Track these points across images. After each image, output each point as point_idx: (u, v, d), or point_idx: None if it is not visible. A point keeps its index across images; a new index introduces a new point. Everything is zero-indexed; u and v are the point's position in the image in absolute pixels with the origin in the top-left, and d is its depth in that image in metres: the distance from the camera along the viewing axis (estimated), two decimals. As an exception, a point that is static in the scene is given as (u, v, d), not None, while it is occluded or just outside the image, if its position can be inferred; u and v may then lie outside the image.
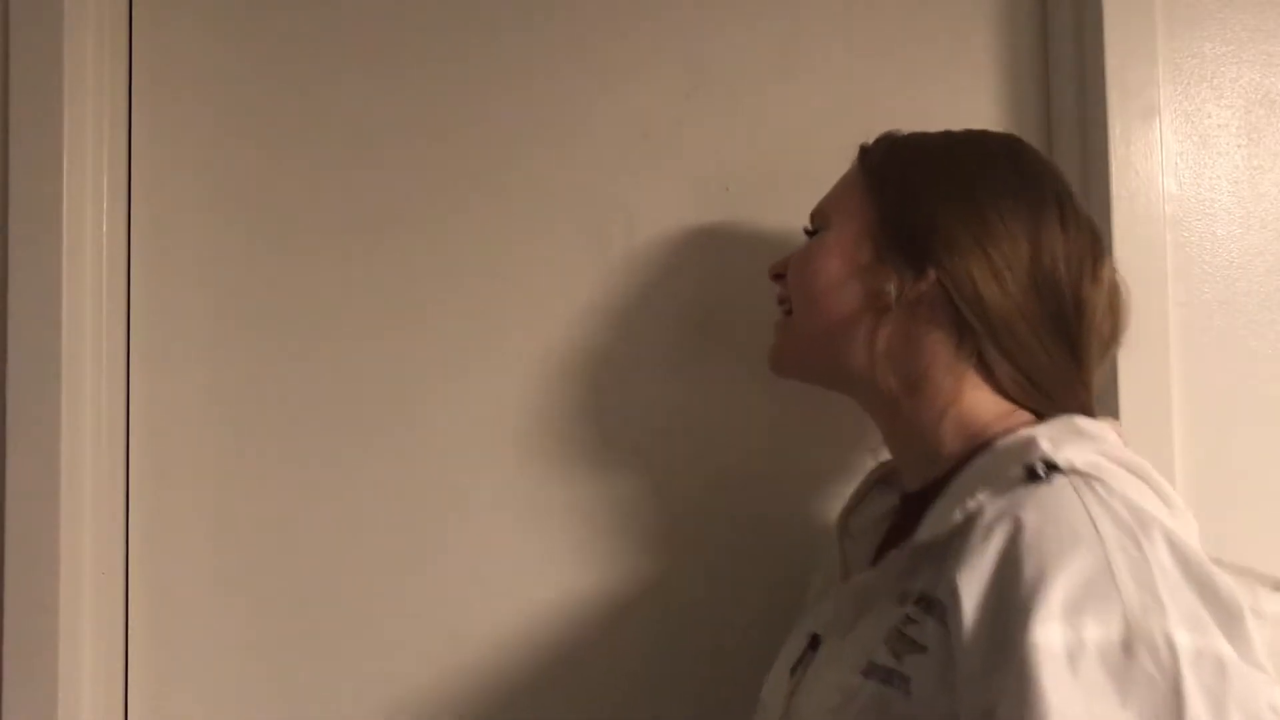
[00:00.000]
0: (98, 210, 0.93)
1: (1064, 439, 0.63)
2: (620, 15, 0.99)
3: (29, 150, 0.91)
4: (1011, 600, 0.54)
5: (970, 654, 0.55)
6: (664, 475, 0.97)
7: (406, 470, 0.96)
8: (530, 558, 0.96)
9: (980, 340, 0.69)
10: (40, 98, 0.91)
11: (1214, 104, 0.98)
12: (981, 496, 0.61)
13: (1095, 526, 0.56)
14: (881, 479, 0.84)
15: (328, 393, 0.96)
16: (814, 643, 0.73)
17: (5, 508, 0.90)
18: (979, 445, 0.68)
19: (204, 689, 0.95)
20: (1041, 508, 0.58)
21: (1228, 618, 0.54)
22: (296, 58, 0.98)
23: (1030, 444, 0.63)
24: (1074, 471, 0.60)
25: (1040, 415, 0.69)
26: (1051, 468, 0.60)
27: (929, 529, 0.64)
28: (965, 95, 0.99)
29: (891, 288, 0.70)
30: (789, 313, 0.81)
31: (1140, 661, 0.51)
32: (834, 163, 0.98)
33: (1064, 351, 0.69)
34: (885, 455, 0.83)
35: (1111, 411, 0.89)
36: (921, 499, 0.70)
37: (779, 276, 0.83)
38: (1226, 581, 0.55)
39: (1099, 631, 0.52)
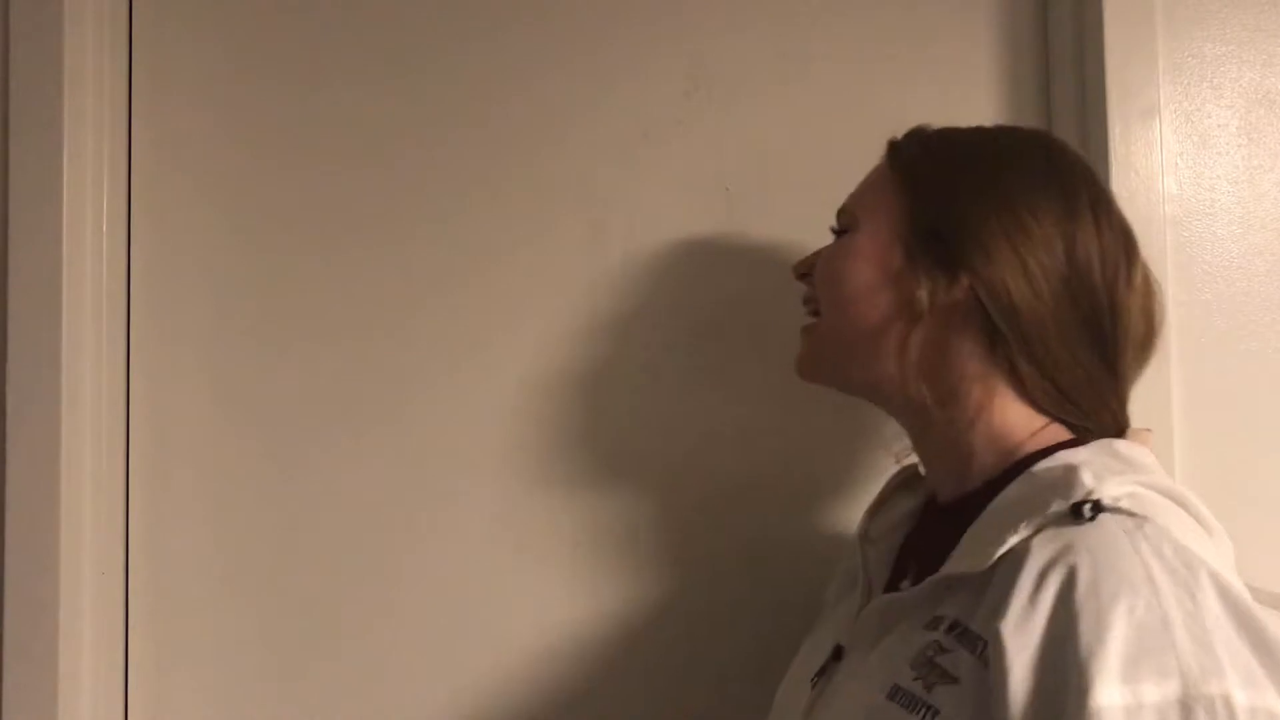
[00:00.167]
0: (98, 210, 0.93)
1: (1105, 470, 0.62)
2: (620, 15, 0.99)
3: (29, 150, 0.91)
4: (1068, 658, 0.53)
5: (1020, 711, 0.54)
6: (666, 478, 0.97)
7: (406, 470, 0.96)
8: (532, 557, 0.96)
9: (1012, 350, 0.67)
10: (40, 98, 0.91)
11: (1214, 104, 0.98)
12: (1024, 531, 0.59)
13: (1151, 579, 0.55)
14: (903, 484, 0.82)
15: (328, 393, 0.96)
16: (837, 653, 0.72)
17: (5, 508, 0.90)
18: (1014, 463, 0.67)
19: (204, 689, 0.95)
20: (1095, 557, 0.56)
21: (1276, 668, 0.53)
22: (296, 58, 0.98)
23: (1073, 476, 0.61)
24: (1120, 510, 0.59)
25: (1072, 427, 0.68)
26: (1097, 507, 0.59)
27: (966, 561, 0.62)
28: (965, 95, 0.99)
29: (924, 295, 0.68)
30: (815, 313, 0.79)
31: None
32: (834, 162, 0.98)
33: (1097, 360, 0.68)
34: (906, 459, 0.82)
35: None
36: (953, 513, 0.68)
37: (804, 276, 0.80)
38: (1274, 629, 0.55)
39: (1156, 693, 0.51)
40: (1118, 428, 0.69)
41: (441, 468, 0.96)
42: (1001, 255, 0.66)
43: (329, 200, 0.97)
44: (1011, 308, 0.66)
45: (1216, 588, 0.55)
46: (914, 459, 0.80)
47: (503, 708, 0.96)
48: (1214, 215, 0.98)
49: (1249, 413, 0.97)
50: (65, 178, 0.91)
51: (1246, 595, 0.56)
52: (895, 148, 0.77)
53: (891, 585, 0.74)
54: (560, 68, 0.98)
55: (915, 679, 0.60)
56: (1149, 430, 0.71)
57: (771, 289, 0.98)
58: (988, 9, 1.00)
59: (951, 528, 0.66)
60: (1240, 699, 0.51)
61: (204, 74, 0.97)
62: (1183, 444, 0.94)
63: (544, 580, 0.96)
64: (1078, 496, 0.59)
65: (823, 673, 0.72)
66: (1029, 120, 0.99)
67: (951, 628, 0.60)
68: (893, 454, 0.84)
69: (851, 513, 0.95)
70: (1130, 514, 0.59)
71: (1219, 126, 0.98)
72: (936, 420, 0.70)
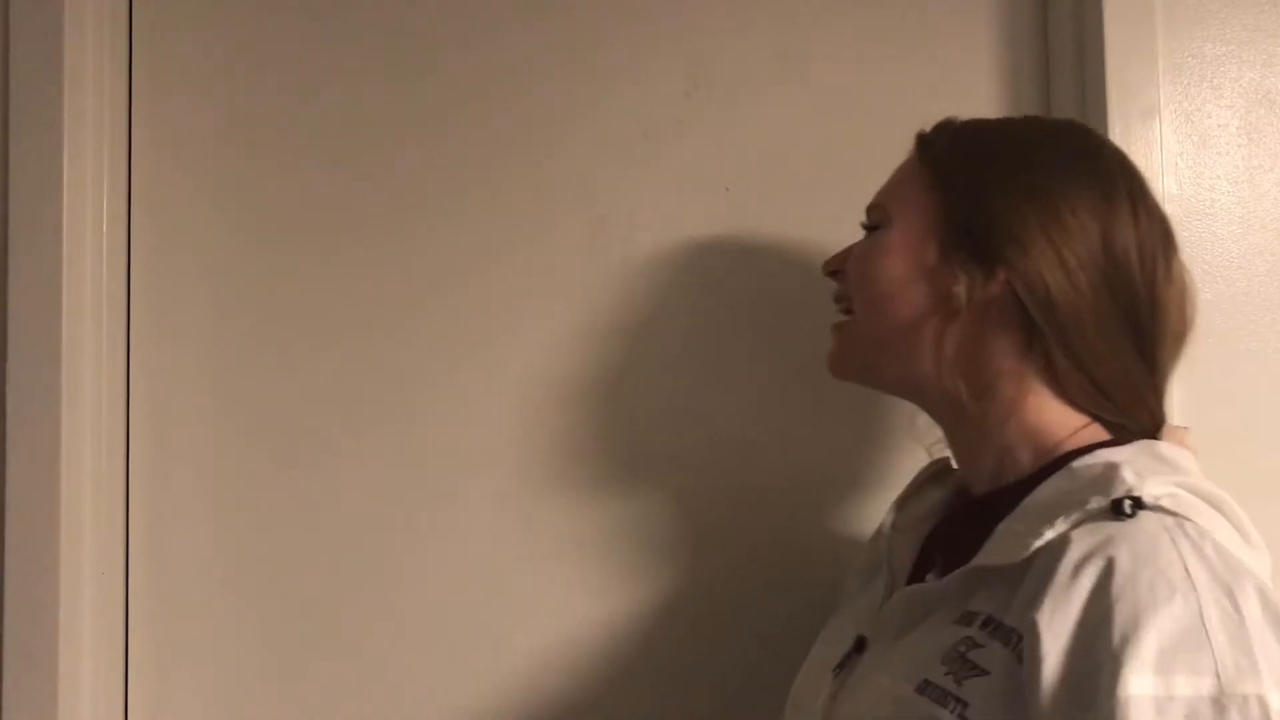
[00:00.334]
0: (98, 210, 0.93)
1: (1147, 469, 0.61)
2: (620, 15, 0.99)
3: (29, 150, 0.91)
4: (1101, 646, 0.53)
5: (1052, 696, 0.54)
6: (666, 480, 0.97)
7: (407, 471, 0.96)
8: (533, 557, 0.96)
9: (1048, 344, 0.66)
10: (40, 98, 0.91)
11: (1214, 104, 0.98)
12: (1061, 526, 0.59)
13: (1189, 576, 0.54)
14: (933, 476, 0.82)
15: (328, 393, 0.96)
16: (860, 644, 0.71)
17: (5, 508, 0.90)
18: (1051, 460, 0.66)
19: (204, 689, 0.95)
20: (1134, 550, 0.56)
21: None
22: (296, 58, 0.98)
23: (1113, 473, 0.61)
24: (1160, 509, 0.59)
25: (1108, 425, 0.68)
26: (1138, 504, 0.58)
27: (1000, 553, 0.62)
28: (965, 95, 0.99)
29: (961, 290, 0.67)
30: (847, 311, 0.77)
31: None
32: (834, 162, 0.98)
33: (1135, 354, 0.67)
34: (938, 452, 0.81)
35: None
36: (986, 507, 0.68)
37: (834, 273, 0.79)
38: None
39: (1189, 687, 0.51)
40: (1154, 424, 0.69)
41: (441, 468, 0.96)
42: (1037, 248, 0.66)
43: (329, 200, 0.97)
44: (1048, 301, 0.65)
45: (1258, 593, 0.55)
46: (946, 452, 0.79)
47: (505, 709, 0.95)
48: (1214, 215, 0.98)
49: (1249, 413, 0.97)
50: (65, 178, 0.91)
51: None
52: (925, 141, 0.75)
53: (915, 577, 0.74)
54: (560, 68, 0.98)
55: (946, 674, 0.60)
56: (1186, 428, 0.71)
57: (771, 289, 0.98)
58: (988, 9, 1.00)
59: (983, 521, 0.66)
60: (1275, 702, 0.51)
61: (204, 74, 0.97)
62: (1183, 444, 0.93)
63: (546, 581, 0.96)
64: (1118, 493, 0.59)
65: (844, 663, 0.71)
66: (1029, 120, 0.99)
67: (985, 623, 0.60)
68: (924, 446, 0.84)
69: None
70: (1171, 513, 0.59)
71: (1219, 126, 0.98)
72: (972, 415, 0.70)
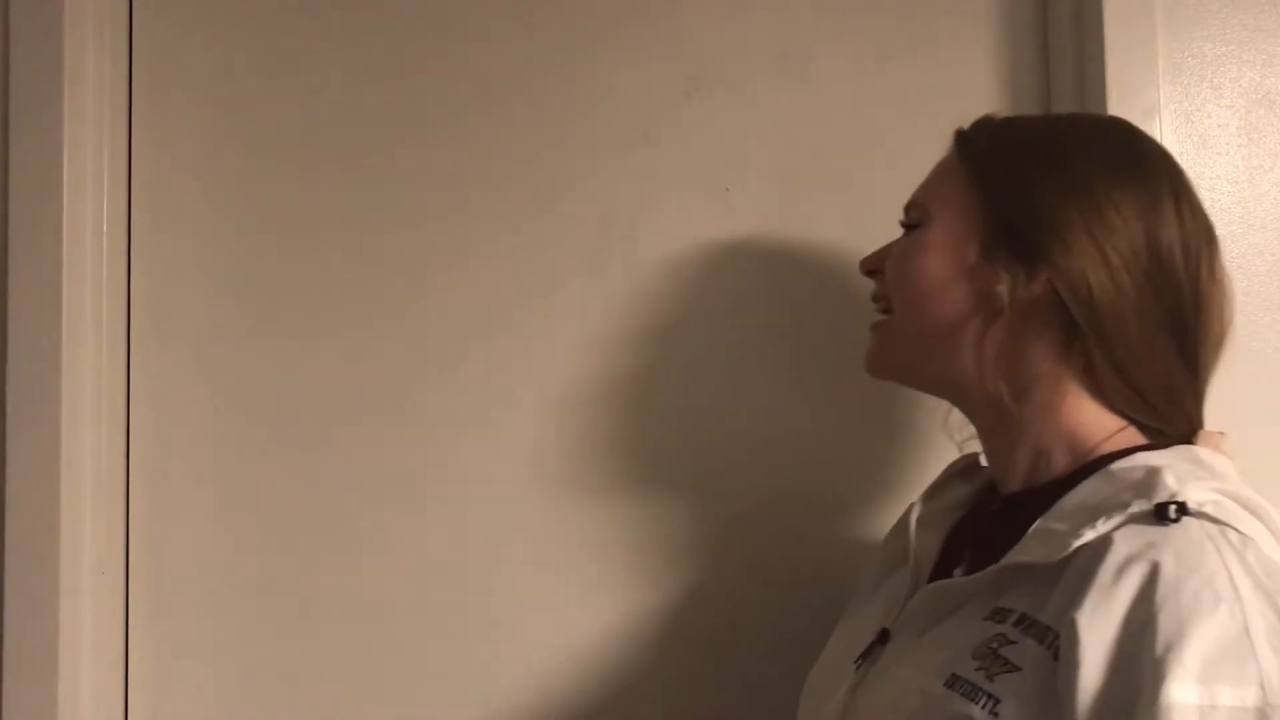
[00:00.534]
0: (98, 210, 0.93)
1: (1188, 475, 0.61)
2: (620, 15, 0.99)
3: (29, 150, 0.91)
4: (1144, 651, 0.53)
5: (1091, 699, 0.53)
6: (668, 480, 0.97)
7: (407, 471, 0.96)
8: (533, 556, 0.96)
9: (1089, 345, 0.65)
10: (40, 97, 0.91)
11: (1214, 104, 0.98)
12: (1103, 527, 0.59)
13: (1235, 585, 0.54)
14: (961, 472, 0.81)
15: (329, 393, 0.96)
16: (883, 637, 0.71)
17: (5, 508, 0.90)
18: (1089, 462, 0.66)
19: (204, 689, 0.95)
20: (1179, 556, 0.55)
21: None
22: (296, 57, 0.98)
23: (1155, 477, 0.60)
24: (1203, 515, 0.58)
25: (1144, 429, 0.67)
26: (1182, 510, 0.58)
27: (1037, 551, 0.61)
28: (965, 95, 0.99)
29: (1003, 290, 0.67)
30: (885, 311, 0.77)
31: None
32: (834, 162, 0.98)
33: (1176, 356, 0.66)
34: (968, 448, 0.81)
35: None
36: (1018, 505, 0.68)
37: (872, 272, 0.79)
38: None
39: (1234, 698, 0.51)
40: (1191, 430, 0.68)
41: (440, 467, 0.96)
42: (1079, 246, 0.65)
43: (329, 200, 0.97)
44: (1090, 301, 0.65)
45: None
46: (976, 448, 0.78)
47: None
48: (1214, 215, 0.96)
49: (1249, 413, 0.97)
50: (65, 177, 0.91)
51: None
52: (964, 138, 0.74)
53: (939, 571, 0.74)
54: (560, 68, 0.98)
55: (978, 669, 0.59)
56: (1223, 433, 0.70)
57: (771, 289, 0.98)
58: (987, 10, 1.00)
59: (1015, 520, 0.65)
60: None
61: (204, 73, 0.97)
62: (1183, 444, 0.93)
63: (549, 582, 0.96)
64: (1161, 498, 0.59)
65: (867, 655, 0.71)
66: (1029, 120, 0.99)
67: (1019, 621, 0.60)
68: (955, 442, 0.83)
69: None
70: (1214, 520, 0.58)
71: (1219, 126, 0.98)
72: (1011, 415, 0.69)
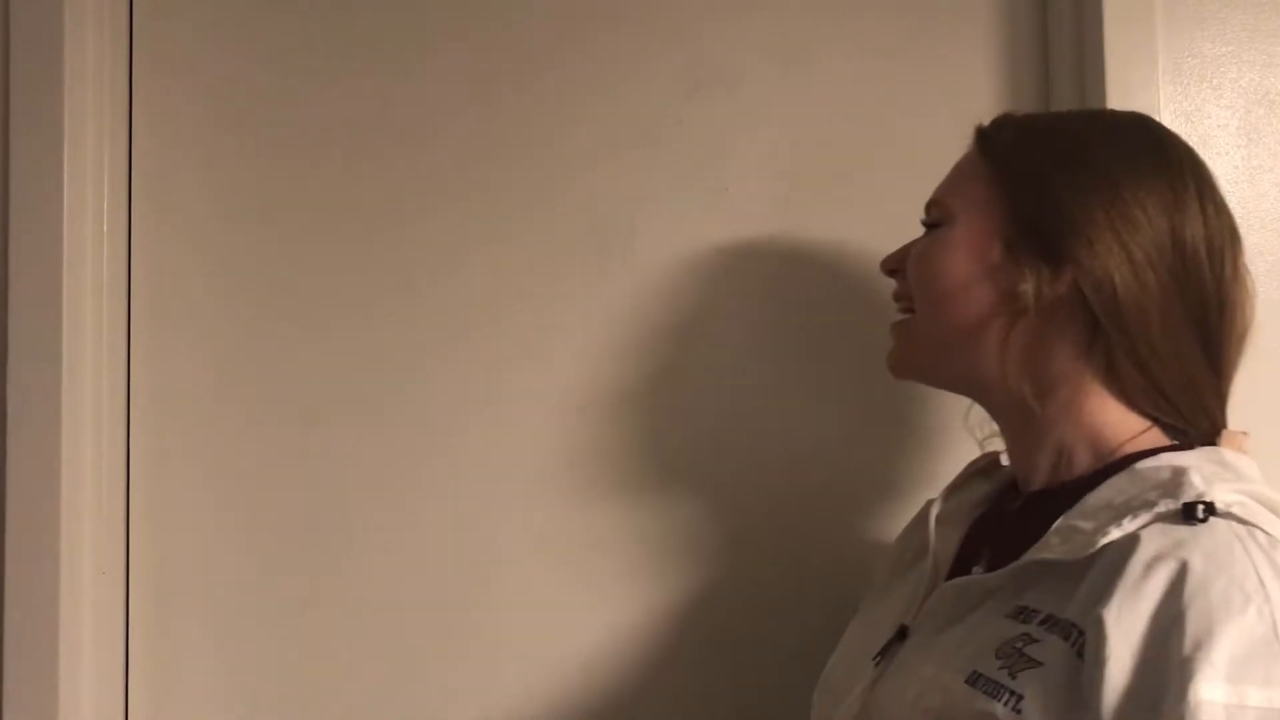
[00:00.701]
0: (98, 208, 0.93)
1: (1214, 475, 0.61)
2: (620, 15, 0.99)
3: (29, 148, 0.91)
4: (1172, 649, 0.53)
5: (1118, 696, 0.53)
6: (668, 482, 0.97)
7: (409, 470, 0.96)
8: (533, 556, 0.96)
9: (1112, 344, 0.65)
10: (40, 96, 0.91)
11: (1214, 104, 0.98)
12: (1129, 525, 0.58)
13: (1264, 586, 0.54)
14: (982, 470, 0.81)
15: (330, 392, 0.96)
16: (901, 633, 0.70)
17: (5, 507, 0.90)
18: (1112, 462, 0.66)
19: (204, 689, 0.95)
20: (1208, 555, 0.55)
21: None
22: (296, 56, 0.98)
23: (1181, 477, 0.60)
24: (1231, 515, 0.58)
25: (1167, 429, 0.67)
26: (1210, 510, 0.58)
27: (1061, 548, 0.61)
28: (965, 95, 0.99)
29: (1028, 289, 0.66)
30: (907, 310, 0.76)
31: None
32: (834, 162, 0.98)
33: (1200, 355, 0.66)
34: (990, 446, 0.81)
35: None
36: (1041, 503, 0.68)
37: (893, 272, 0.78)
38: None
39: (1263, 698, 0.51)
40: (1214, 430, 0.68)
41: (441, 466, 0.96)
42: (1105, 244, 0.64)
43: (329, 199, 0.97)
44: (1114, 300, 0.64)
45: None
46: (998, 445, 0.78)
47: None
48: (1214, 215, 0.98)
49: (1249, 413, 0.97)
50: (65, 176, 0.91)
51: None
52: (985, 136, 0.74)
53: (958, 568, 0.73)
54: (560, 67, 0.98)
55: (1000, 667, 0.59)
56: (1245, 434, 0.69)
57: (771, 289, 0.98)
58: (987, 9, 1.00)
59: (1037, 518, 0.65)
60: None
61: (204, 71, 0.97)
62: (1183, 444, 0.93)
63: (549, 581, 0.96)
64: (1189, 497, 0.58)
65: (885, 651, 0.71)
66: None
67: (1044, 621, 0.60)
68: (977, 440, 0.83)
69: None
70: (1242, 520, 0.58)
71: (1219, 126, 0.98)
72: (1034, 414, 0.69)
